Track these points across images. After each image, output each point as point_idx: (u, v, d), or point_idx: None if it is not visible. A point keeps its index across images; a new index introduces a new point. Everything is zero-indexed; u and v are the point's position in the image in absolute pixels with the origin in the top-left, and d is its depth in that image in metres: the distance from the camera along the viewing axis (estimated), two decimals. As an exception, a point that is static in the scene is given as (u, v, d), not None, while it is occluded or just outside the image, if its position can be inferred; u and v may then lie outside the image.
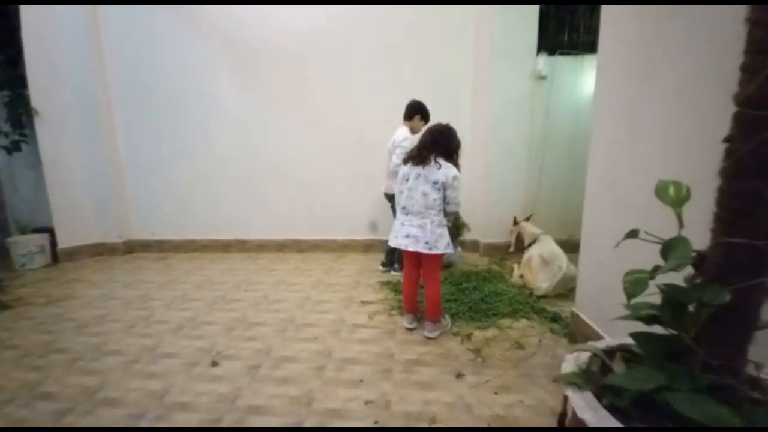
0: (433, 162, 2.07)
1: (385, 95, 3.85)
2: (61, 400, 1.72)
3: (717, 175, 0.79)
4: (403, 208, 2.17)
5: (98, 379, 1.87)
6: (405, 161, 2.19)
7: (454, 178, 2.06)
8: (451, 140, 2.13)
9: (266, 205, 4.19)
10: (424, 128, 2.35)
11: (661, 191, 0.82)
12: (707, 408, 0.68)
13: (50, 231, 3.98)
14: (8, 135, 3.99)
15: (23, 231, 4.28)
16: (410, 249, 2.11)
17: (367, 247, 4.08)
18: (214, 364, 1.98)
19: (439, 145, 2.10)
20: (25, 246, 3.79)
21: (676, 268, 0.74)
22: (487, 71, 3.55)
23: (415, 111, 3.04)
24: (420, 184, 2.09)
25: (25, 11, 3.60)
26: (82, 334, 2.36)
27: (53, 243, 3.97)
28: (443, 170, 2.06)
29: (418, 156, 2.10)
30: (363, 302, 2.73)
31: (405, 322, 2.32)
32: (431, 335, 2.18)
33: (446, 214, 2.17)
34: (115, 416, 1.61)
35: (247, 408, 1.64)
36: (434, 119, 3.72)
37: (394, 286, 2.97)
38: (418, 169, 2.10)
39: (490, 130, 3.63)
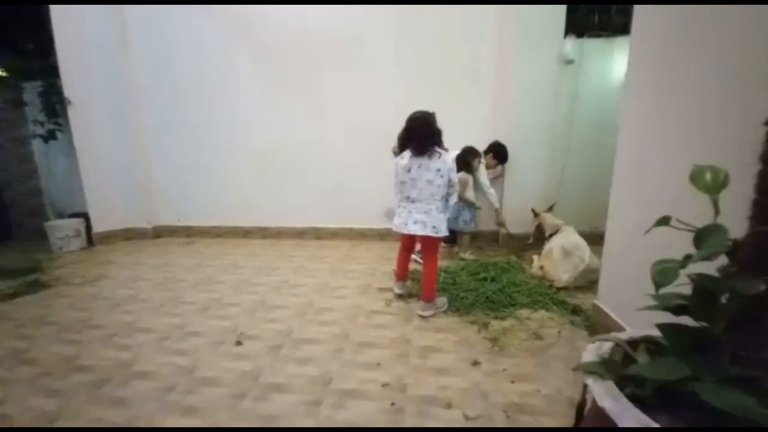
0: (433, 152, 2.21)
1: (404, 82, 3.81)
2: (98, 372, 1.84)
3: (757, 160, 0.75)
4: (408, 197, 2.31)
5: (131, 354, 1.99)
6: (400, 151, 2.32)
7: (453, 162, 2.32)
8: (435, 127, 2.24)
9: (285, 193, 4.26)
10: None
11: (696, 177, 0.78)
12: (733, 398, 0.66)
13: (85, 216, 4.20)
14: (43, 124, 4.20)
15: (60, 216, 4.54)
16: (420, 233, 2.26)
17: (384, 235, 4.10)
18: (238, 343, 2.07)
19: (429, 134, 2.21)
20: (62, 230, 4.02)
21: (709, 257, 0.72)
22: (511, 55, 3.44)
23: (489, 149, 3.49)
24: (423, 173, 2.22)
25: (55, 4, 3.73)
26: (116, 312, 2.51)
27: (88, 227, 4.20)
28: (443, 157, 2.23)
29: (419, 147, 2.21)
30: (380, 289, 2.76)
31: (395, 288, 2.56)
32: (425, 314, 2.29)
33: (448, 199, 2.32)
34: (147, 388, 1.71)
35: (269, 385, 1.71)
36: (454, 106, 3.68)
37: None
38: (419, 160, 2.22)
39: (511, 117, 3.54)
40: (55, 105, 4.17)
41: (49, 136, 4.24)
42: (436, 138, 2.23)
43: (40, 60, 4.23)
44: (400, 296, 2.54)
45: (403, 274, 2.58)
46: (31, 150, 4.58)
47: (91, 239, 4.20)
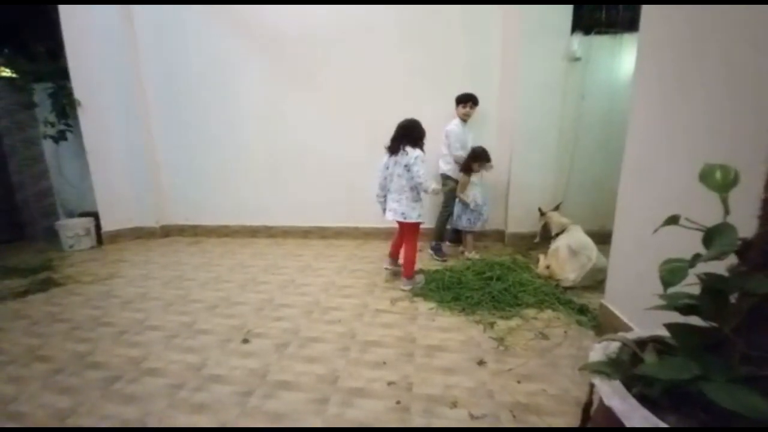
0: (402, 150, 2.60)
1: (409, 81, 3.80)
2: (109, 369, 1.87)
3: (767, 159, 0.74)
4: (389, 189, 2.73)
5: (142, 351, 2.03)
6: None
7: (416, 157, 2.57)
8: (415, 131, 2.64)
9: (291, 193, 4.29)
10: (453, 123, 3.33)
11: (706, 175, 0.78)
12: (743, 398, 0.65)
13: (95, 215, 4.26)
14: (54, 125, 4.27)
15: (71, 215, 4.61)
16: (391, 218, 2.71)
17: (389, 235, 4.08)
18: (246, 341, 2.09)
19: (406, 136, 2.62)
20: (73, 229, 4.09)
21: (719, 256, 0.71)
22: (517, 53, 3.42)
23: (456, 102, 3.39)
24: (396, 170, 2.65)
25: (64, 5, 3.78)
26: (127, 310, 2.55)
27: (98, 226, 4.26)
28: (409, 154, 2.58)
29: (392, 147, 2.66)
30: (386, 288, 2.78)
31: (385, 263, 3.01)
32: (405, 288, 2.71)
33: (414, 186, 2.62)
34: (157, 385, 1.74)
35: (277, 383, 1.73)
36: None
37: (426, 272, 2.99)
38: (394, 158, 2.65)
39: (517, 115, 3.52)
40: (65, 106, 4.23)
41: (59, 137, 4.30)
42: (408, 140, 2.61)
43: (50, 62, 4.29)
44: (387, 270, 2.95)
45: (394, 253, 2.96)
46: (42, 151, 4.65)
47: (100, 238, 4.27)
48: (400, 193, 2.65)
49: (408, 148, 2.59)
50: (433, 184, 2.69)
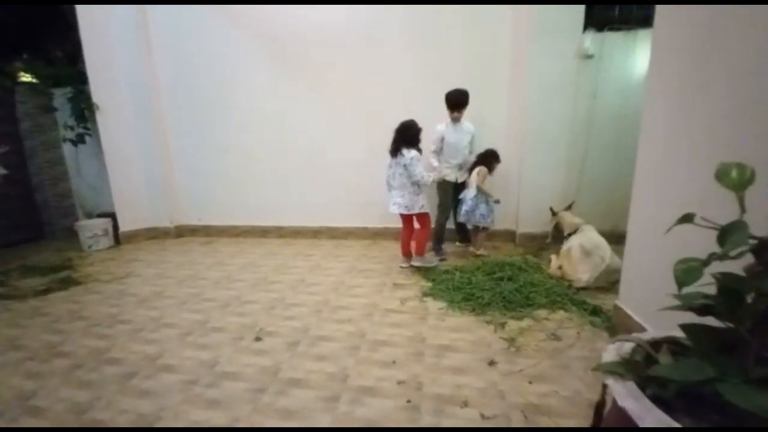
0: (400, 153, 2.91)
1: (416, 80, 3.80)
2: (126, 365, 1.93)
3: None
4: (391, 185, 3.06)
5: (158, 348, 2.08)
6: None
7: (412, 158, 2.88)
8: (408, 131, 2.93)
9: (301, 193, 4.33)
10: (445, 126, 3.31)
11: (722, 174, 0.76)
12: (758, 399, 0.64)
13: (113, 216, 4.37)
14: (73, 128, 4.40)
15: (89, 216, 4.75)
16: (397, 212, 3.03)
17: (398, 235, 4.09)
18: (258, 339, 2.13)
19: (402, 139, 2.93)
20: (92, 229, 4.21)
21: (731, 254, 0.70)
22: (527, 51, 3.38)
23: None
24: (397, 169, 2.97)
25: (81, 9, 3.88)
26: (143, 308, 2.61)
27: (115, 227, 4.37)
28: (405, 156, 2.89)
29: (392, 150, 2.98)
30: (396, 288, 2.78)
31: (401, 263, 3.20)
32: (415, 264, 3.06)
33: (415, 182, 2.94)
34: (172, 381, 1.78)
35: (288, 380, 1.75)
36: (470, 104, 3.64)
37: (425, 273, 2.99)
38: (395, 159, 2.97)
39: (527, 114, 3.48)
40: (84, 110, 4.36)
41: (78, 140, 4.44)
42: (404, 142, 2.91)
43: (69, 67, 4.43)
44: (402, 268, 3.12)
45: (405, 251, 3.17)
46: (61, 153, 4.81)
47: (118, 238, 4.38)
48: (403, 189, 2.97)
49: (404, 150, 2.88)
50: (431, 177, 3.00)
